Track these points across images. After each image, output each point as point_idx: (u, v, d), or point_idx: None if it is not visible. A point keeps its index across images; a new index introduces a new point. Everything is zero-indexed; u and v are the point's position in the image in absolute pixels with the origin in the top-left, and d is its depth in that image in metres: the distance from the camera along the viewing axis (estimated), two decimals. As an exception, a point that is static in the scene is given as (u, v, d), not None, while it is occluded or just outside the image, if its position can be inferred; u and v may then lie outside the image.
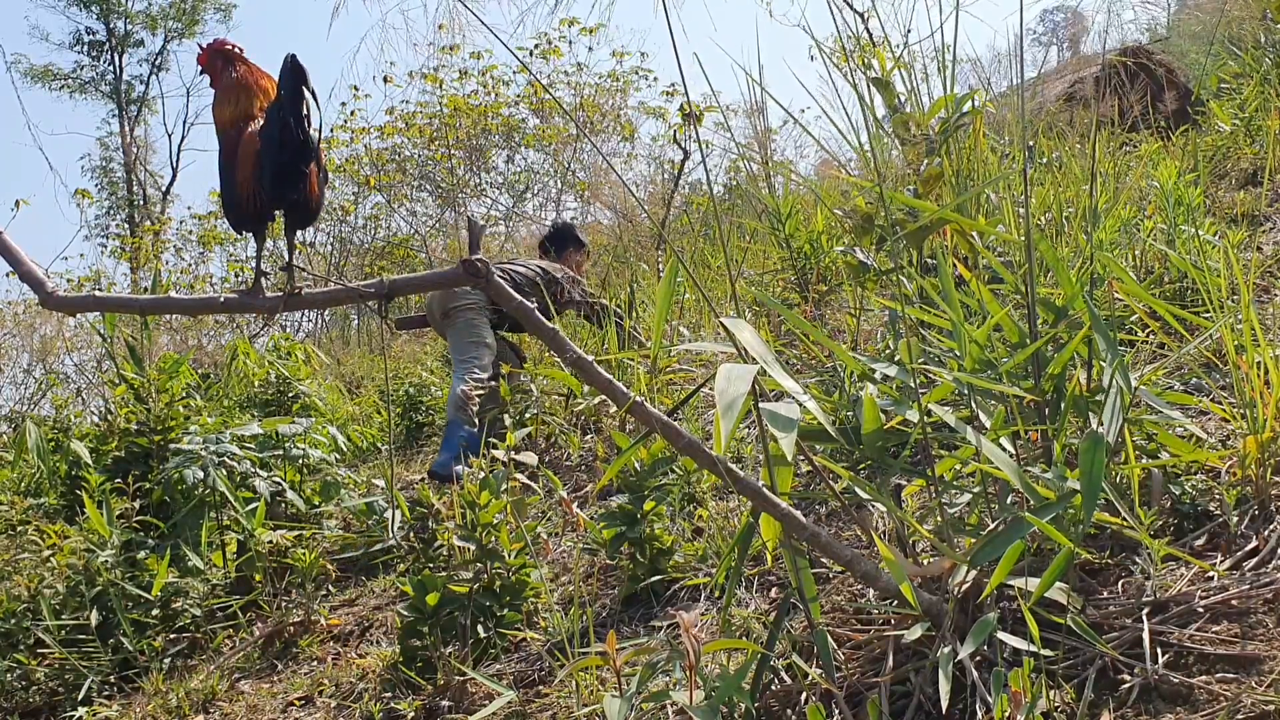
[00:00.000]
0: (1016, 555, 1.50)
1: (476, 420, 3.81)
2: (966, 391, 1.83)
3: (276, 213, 1.97)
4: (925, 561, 1.88)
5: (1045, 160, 4.05)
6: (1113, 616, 1.67)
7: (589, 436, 3.87)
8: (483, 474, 2.62)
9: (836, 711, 1.67)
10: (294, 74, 1.85)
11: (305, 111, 1.86)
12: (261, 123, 1.94)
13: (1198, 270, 2.47)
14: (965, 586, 1.64)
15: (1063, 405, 1.86)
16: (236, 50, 2.06)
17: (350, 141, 9.91)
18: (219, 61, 2.05)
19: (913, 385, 1.78)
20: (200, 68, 2.07)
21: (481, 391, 3.92)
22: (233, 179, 1.94)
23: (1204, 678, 1.51)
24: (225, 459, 3.55)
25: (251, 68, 2.03)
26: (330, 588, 3.36)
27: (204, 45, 2.06)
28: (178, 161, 20.51)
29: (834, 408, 2.31)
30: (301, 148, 1.87)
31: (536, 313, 1.88)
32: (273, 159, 1.88)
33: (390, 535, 2.96)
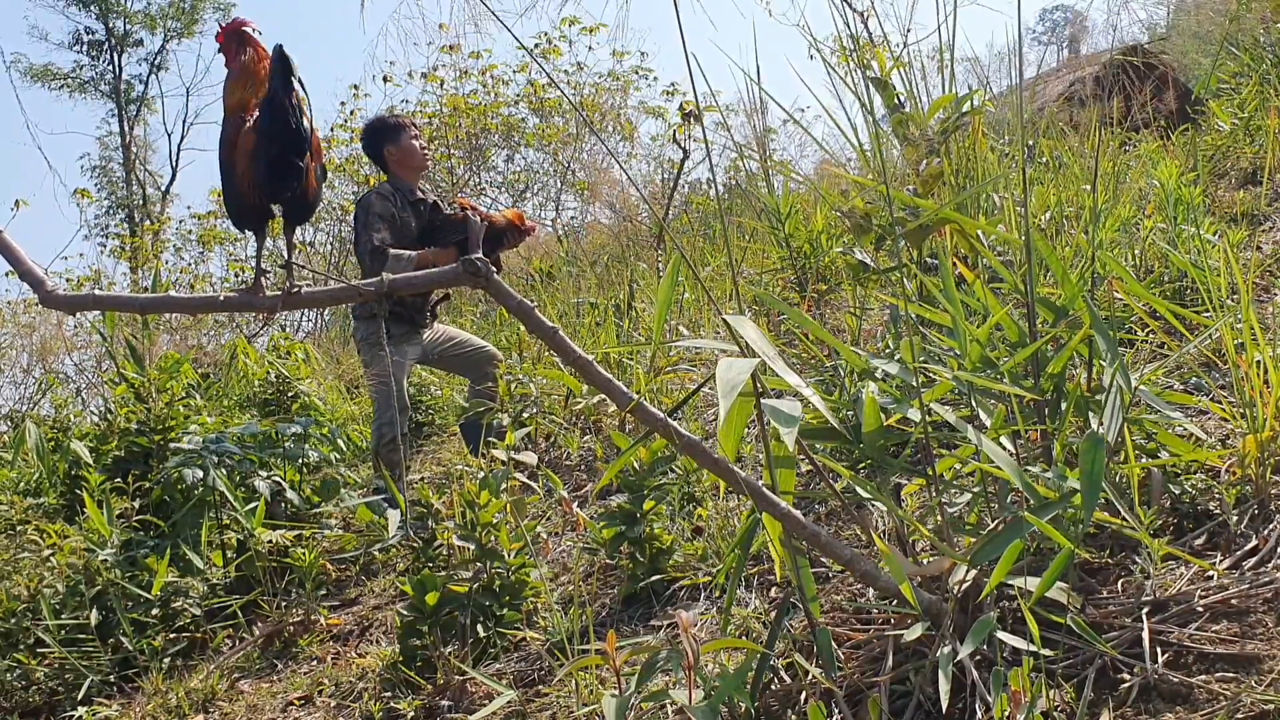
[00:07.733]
0: (1016, 555, 1.50)
1: (387, 474, 3.41)
2: (967, 390, 1.83)
3: (276, 209, 1.96)
4: (925, 561, 1.88)
5: (1045, 160, 4.05)
6: (1112, 616, 1.67)
7: (589, 436, 3.87)
8: (482, 473, 2.62)
9: (836, 711, 1.67)
10: (283, 64, 1.84)
11: (297, 102, 1.83)
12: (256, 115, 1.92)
13: (1198, 269, 2.47)
14: (965, 586, 1.64)
15: (1063, 405, 1.86)
16: (252, 32, 2.04)
17: (350, 141, 9.89)
18: (234, 43, 2.03)
19: (914, 384, 1.78)
20: (217, 46, 2.05)
21: (388, 444, 3.65)
22: (233, 173, 1.94)
23: (1204, 677, 1.51)
24: (225, 458, 3.55)
25: (261, 53, 2.02)
26: (330, 588, 3.36)
27: (224, 25, 2.05)
28: (177, 161, 20.50)
29: (834, 406, 2.31)
30: (295, 139, 1.85)
31: (536, 312, 1.88)
32: (267, 152, 1.87)
33: (409, 533, 2.94)
